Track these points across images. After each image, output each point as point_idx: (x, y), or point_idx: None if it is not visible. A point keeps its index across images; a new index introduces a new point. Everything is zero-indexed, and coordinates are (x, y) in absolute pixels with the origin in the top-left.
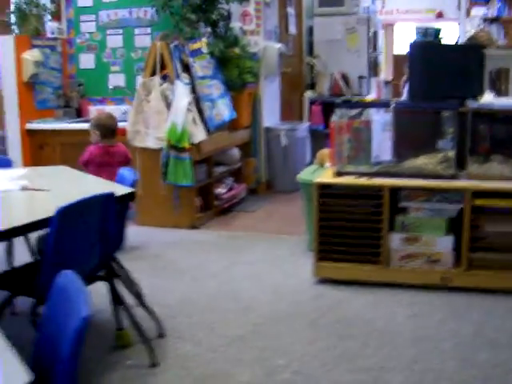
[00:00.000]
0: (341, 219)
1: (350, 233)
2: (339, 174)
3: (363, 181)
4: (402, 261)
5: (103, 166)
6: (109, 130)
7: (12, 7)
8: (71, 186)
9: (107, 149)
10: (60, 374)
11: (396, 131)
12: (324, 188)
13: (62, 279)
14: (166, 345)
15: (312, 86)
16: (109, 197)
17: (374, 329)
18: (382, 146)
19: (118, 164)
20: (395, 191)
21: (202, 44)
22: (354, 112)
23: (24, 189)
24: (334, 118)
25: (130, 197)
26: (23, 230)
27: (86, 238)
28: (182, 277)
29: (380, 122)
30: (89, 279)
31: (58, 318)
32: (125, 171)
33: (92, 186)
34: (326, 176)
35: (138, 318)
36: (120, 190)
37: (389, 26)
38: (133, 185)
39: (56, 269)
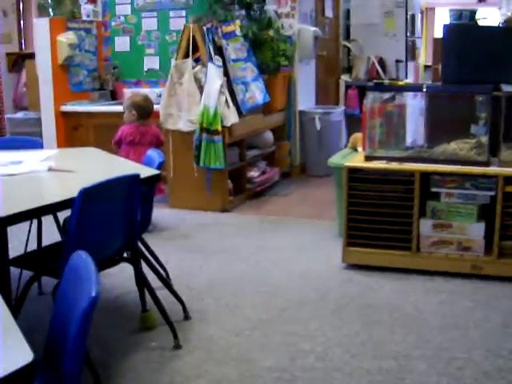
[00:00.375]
0: (371, 204)
1: (380, 218)
2: (370, 158)
3: (394, 165)
4: (432, 247)
5: (134, 145)
6: (145, 111)
7: None
8: (98, 167)
9: (139, 128)
10: (67, 353)
11: (428, 115)
12: (354, 172)
13: (74, 259)
14: (191, 327)
15: (348, 70)
16: (134, 178)
17: (402, 315)
18: (415, 130)
19: (148, 144)
20: (426, 176)
21: (236, 26)
22: (386, 96)
23: (51, 169)
24: (366, 102)
25: (155, 178)
26: (47, 210)
27: (109, 219)
28: (211, 260)
29: (412, 106)
30: (113, 261)
31: (69, 297)
32: (152, 153)
33: (119, 167)
34: (357, 160)
35: (164, 300)
36: (146, 171)
37: (429, 10)
38: (159, 167)
39: (79, 249)
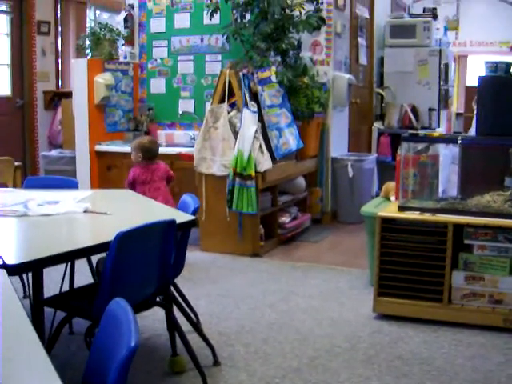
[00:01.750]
0: (403, 254)
1: (412, 269)
2: (403, 208)
3: (427, 216)
4: (464, 299)
5: (147, 183)
6: (150, 153)
7: (87, 31)
8: (134, 210)
9: (148, 166)
10: None
11: (462, 167)
12: (387, 222)
13: (113, 306)
14: (220, 373)
15: (381, 117)
16: (170, 224)
17: (432, 368)
18: (448, 181)
19: (160, 180)
20: (459, 228)
21: (271, 73)
22: (420, 146)
23: (87, 211)
24: (400, 152)
25: (191, 224)
26: (83, 253)
27: (144, 263)
28: (241, 305)
29: (447, 157)
30: (146, 304)
31: (107, 344)
32: (187, 198)
33: (153, 211)
34: (390, 210)
35: (194, 345)
36: (182, 216)
37: (462, 58)
38: (194, 212)
39: (113, 293)
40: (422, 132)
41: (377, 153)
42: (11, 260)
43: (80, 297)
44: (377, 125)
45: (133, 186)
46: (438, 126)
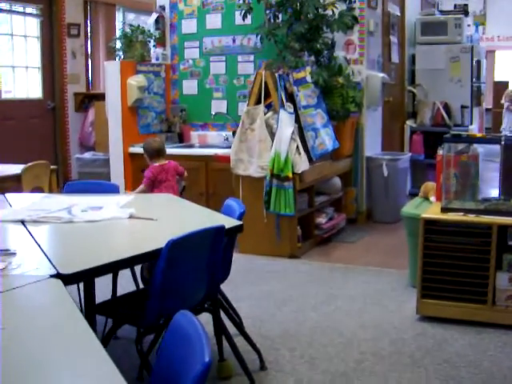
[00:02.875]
0: (446, 256)
1: (456, 270)
2: (446, 209)
3: (471, 218)
4: (509, 301)
5: (162, 182)
6: (153, 151)
7: (118, 33)
8: (178, 215)
9: (162, 166)
10: None
11: (505, 167)
12: (430, 223)
13: (179, 319)
14: (267, 378)
15: (413, 115)
16: (219, 230)
17: (480, 371)
18: (491, 181)
19: (172, 177)
20: (503, 229)
21: (307, 73)
22: (461, 146)
23: (132, 217)
24: (441, 152)
25: (238, 229)
26: (136, 261)
27: (194, 270)
28: (283, 308)
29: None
30: (195, 311)
31: (175, 358)
32: (232, 202)
33: (199, 216)
34: (432, 211)
35: (240, 349)
36: (229, 222)
37: (489, 53)
38: (240, 217)
39: (163, 301)
40: (463, 132)
41: (409, 151)
42: (65, 269)
43: (128, 304)
44: (409, 123)
45: (149, 186)
46: (471, 124)
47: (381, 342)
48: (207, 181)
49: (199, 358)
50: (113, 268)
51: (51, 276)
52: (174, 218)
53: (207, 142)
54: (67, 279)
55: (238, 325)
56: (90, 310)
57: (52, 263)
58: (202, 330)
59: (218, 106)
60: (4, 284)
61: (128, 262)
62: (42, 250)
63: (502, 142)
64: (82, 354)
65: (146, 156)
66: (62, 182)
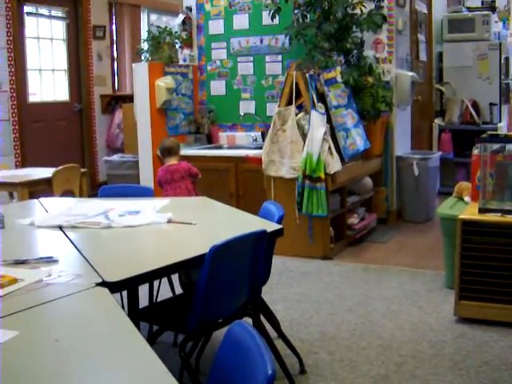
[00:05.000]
0: (484, 257)
1: (494, 272)
2: (483, 210)
3: (509, 218)
4: None
5: (169, 183)
6: (165, 149)
7: (145, 35)
8: (216, 219)
9: (167, 168)
10: None
11: None
12: (467, 224)
13: (236, 329)
14: (307, 382)
15: (441, 114)
16: (261, 234)
17: None
18: None
19: (181, 179)
20: None
21: (337, 73)
22: (496, 145)
23: (170, 221)
24: (476, 152)
25: (279, 233)
26: (179, 267)
27: (237, 275)
28: (319, 310)
29: None
30: (237, 315)
31: (233, 369)
32: (271, 206)
33: (238, 219)
34: (469, 212)
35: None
36: (269, 225)
37: None
38: (280, 220)
39: (207, 306)
40: (499, 133)
41: (438, 149)
42: (110, 277)
43: (169, 309)
44: (437, 121)
45: (160, 186)
46: (500, 121)
47: (420, 345)
48: (237, 182)
49: (261, 370)
50: (158, 275)
51: (97, 284)
52: (213, 221)
53: (236, 143)
54: (113, 287)
55: (279, 329)
56: (135, 316)
57: (96, 271)
58: (260, 340)
59: (247, 106)
60: (50, 293)
61: (173, 269)
62: (84, 257)
63: None
64: (138, 362)
65: (160, 155)
66: (90, 185)
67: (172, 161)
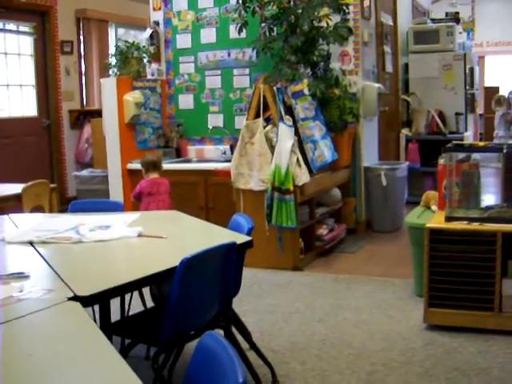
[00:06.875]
0: (451, 265)
1: (462, 279)
2: (450, 218)
3: (476, 226)
4: None
5: (152, 196)
6: (149, 163)
7: (113, 50)
8: (186, 232)
9: (154, 180)
10: None
11: (507, 175)
12: (435, 233)
13: (206, 340)
14: None
15: (408, 124)
16: (231, 246)
17: (491, 379)
18: (493, 189)
19: (164, 193)
20: (508, 236)
21: (304, 85)
22: (462, 155)
23: (140, 235)
24: (442, 161)
25: (248, 245)
26: (150, 281)
27: (207, 287)
28: (290, 320)
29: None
30: (208, 327)
31: (205, 380)
32: (241, 218)
33: (207, 232)
34: (436, 221)
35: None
36: (238, 238)
37: (480, 59)
38: (249, 232)
39: (178, 318)
40: (465, 142)
41: (405, 160)
42: (82, 291)
43: (141, 323)
44: (404, 131)
45: (138, 198)
46: (466, 130)
47: (390, 353)
48: (206, 195)
49: (232, 379)
50: (130, 288)
51: (69, 299)
52: (183, 234)
53: (205, 157)
54: (86, 301)
55: (250, 340)
56: (107, 330)
57: (68, 285)
58: (231, 350)
59: (215, 120)
60: (23, 308)
61: (144, 282)
62: (56, 272)
63: (504, 151)
64: (113, 376)
65: (143, 169)
66: (60, 201)
67: (155, 175)
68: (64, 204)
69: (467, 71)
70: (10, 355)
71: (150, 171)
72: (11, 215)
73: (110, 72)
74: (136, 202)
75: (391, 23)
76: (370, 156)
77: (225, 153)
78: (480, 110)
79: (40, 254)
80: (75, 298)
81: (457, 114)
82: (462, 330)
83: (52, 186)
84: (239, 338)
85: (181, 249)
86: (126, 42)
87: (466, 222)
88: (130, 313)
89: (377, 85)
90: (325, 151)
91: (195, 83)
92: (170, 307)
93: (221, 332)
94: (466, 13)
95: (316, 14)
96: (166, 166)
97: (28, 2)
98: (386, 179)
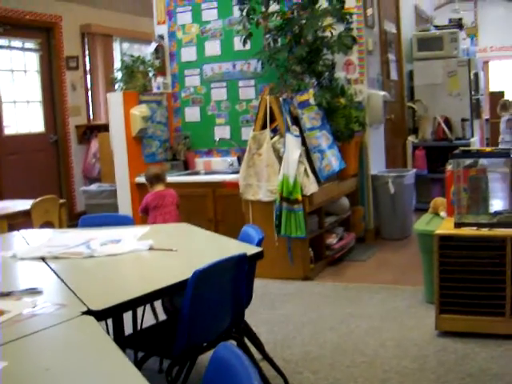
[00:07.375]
0: (462, 271)
1: (472, 284)
2: (459, 224)
3: (485, 231)
4: None
5: (159, 209)
6: (152, 177)
7: (118, 64)
8: (197, 244)
9: (159, 193)
10: None
11: None
12: (444, 239)
13: (221, 351)
14: None
15: (414, 131)
16: (242, 258)
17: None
18: (502, 194)
19: (170, 205)
20: None
21: (310, 95)
22: (469, 160)
23: (151, 249)
24: (450, 168)
25: (259, 256)
26: (162, 294)
27: (219, 298)
28: (302, 330)
29: (498, 170)
30: (221, 339)
31: None
32: (250, 229)
33: (218, 244)
34: (446, 227)
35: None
36: (249, 249)
37: (484, 64)
38: (259, 243)
39: (192, 331)
40: (473, 148)
41: (412, 166)
42: (96, 306)
43: (153, 336)
44: (411, 138)
45: (146, 212)
46: (472, 136)
47: (403, 360)
48: (215, 207)
49: None
50: (142, 301)
51: (83, 313)
52: (193, 247)
53: (212, 169)
54: (99, 315)
55: (264, 350)
56: (121, 343)
57: (81, 300)
58: (246, 361)
59: (222, 131)
60: (37, 324)
61: (157, 295)
62: (68, 287)
63: (511, 156)
64: None
65: (147, 183)
66: (68, 216)
67: (160, 187)
68: (73, 219)
69: (472, 77)
70: (27, 371)
71: (154, 184)
72: (22, 231)
73: (116, 86)
74: (144, 216)
75: (395, 31)
76: (377, 164)
77: (232, 164)
78: (486, 115)
79: (52, 270)
80: (89, 313)
81: (463, 119)
82: (474, 336)
83: (61, 201)
84: (252, 349)
85: (192, 261)
86: (132, 56)
87: (475, 228)
88: (143, 326)
89: (382, 93)
90: (332, 160)
91: (201, 96)
92: (183, 319)
93: (234, 343)
94: (468, 18)
95: (320, 24)
96: (174, 178)
97: (33, 18)
98: (394, 187)
